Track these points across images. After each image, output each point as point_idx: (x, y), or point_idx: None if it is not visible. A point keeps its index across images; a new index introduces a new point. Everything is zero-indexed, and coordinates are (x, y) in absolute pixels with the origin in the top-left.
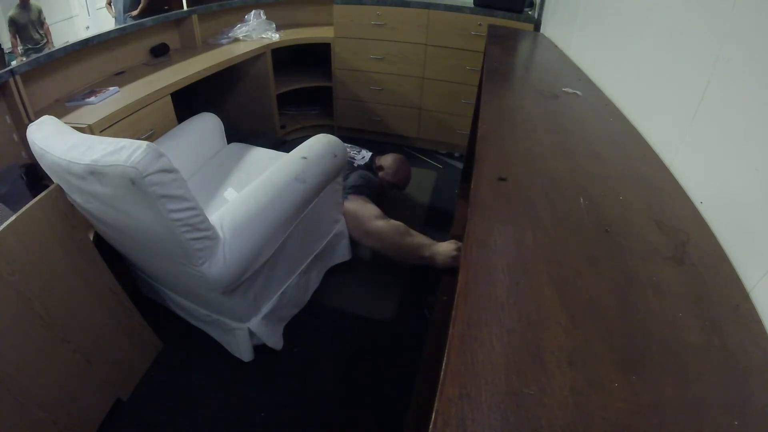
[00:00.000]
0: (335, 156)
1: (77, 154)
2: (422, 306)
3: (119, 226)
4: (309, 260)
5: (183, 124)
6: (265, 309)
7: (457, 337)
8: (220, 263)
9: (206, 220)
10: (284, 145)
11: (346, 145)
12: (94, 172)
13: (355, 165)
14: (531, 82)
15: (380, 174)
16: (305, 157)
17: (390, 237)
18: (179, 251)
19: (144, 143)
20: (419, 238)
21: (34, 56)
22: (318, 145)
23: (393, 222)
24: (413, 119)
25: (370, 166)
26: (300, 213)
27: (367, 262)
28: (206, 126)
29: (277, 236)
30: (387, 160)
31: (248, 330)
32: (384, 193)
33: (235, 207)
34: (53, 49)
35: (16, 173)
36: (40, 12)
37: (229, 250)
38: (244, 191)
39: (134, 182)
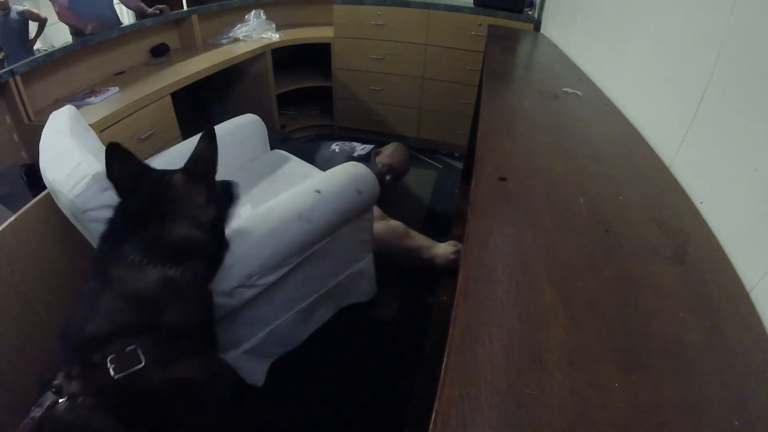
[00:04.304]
0: (359, 192)
1: (60, 164)
2: (422, 306)
3: None
4: (312, 298)
5: (226, 123)
6: (247, 344)
7: (457, 337)
8: None
9: None
10: (285, 143)
11: (351, 142)
12: (53, 191)
13: (355, 155)
14: (531, 82)
15: (377, 158)
16: (319, 191)
17: (389, 240)
18: None
19: (92, 173)
20: (418, 240)
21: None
22: (340, 177)
23: (392, 224)
24: (413, 119)
25: (368, 157)
26: (301, 253)
27: None
28: (249, 128)
29: (267, 275)
30: (387, 147)
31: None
32: (381, 182)
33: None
34: (53, 49)
35: (16, 173)
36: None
37: None
38: (247, 219)
39: (75, 216)
